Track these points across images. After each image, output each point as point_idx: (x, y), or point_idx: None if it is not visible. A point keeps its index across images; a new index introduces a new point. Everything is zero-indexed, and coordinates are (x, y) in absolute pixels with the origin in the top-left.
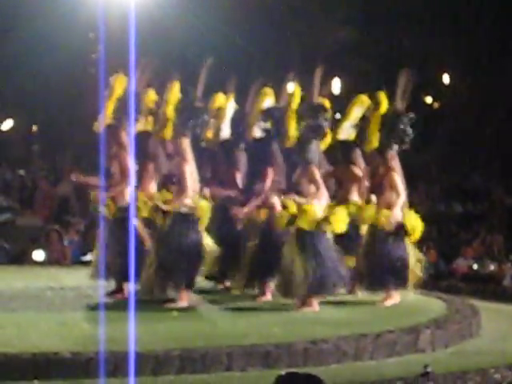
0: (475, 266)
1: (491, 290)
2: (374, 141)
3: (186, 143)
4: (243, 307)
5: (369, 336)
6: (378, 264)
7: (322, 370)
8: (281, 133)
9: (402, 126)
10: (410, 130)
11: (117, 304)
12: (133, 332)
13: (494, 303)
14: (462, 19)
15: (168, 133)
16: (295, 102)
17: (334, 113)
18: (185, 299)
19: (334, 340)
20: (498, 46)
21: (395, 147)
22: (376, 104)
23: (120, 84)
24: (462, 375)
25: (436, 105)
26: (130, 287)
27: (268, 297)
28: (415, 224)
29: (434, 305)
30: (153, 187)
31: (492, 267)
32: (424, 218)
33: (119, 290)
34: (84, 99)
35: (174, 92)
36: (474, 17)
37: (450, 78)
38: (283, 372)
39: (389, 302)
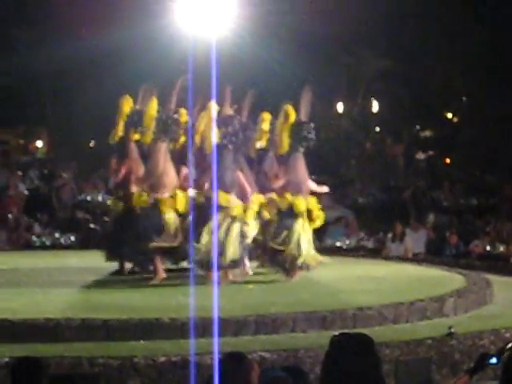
0: (488, 248)
1: (501, 266)
2: (285, 146)
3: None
4: (304, 281)
5: (404, 304)
6: None
7: (367, 331)
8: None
9: (305, 133)
10: (312, 136)
11: (204, 280)
12: (217, 301)
13: (503, 277)
14: (476, 46)
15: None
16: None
17: (374, 127)
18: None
19: (376, 307)
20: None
21: (301, 150)
22: (286, 116)
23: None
24: (479, 335)
25: (455, 119)
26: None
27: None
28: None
29: (456, 278)
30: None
31: (501, 248)
32: (448, 210)
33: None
34: None
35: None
36: (487, 42)
37: (467, 97)
38: (337, 333)
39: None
